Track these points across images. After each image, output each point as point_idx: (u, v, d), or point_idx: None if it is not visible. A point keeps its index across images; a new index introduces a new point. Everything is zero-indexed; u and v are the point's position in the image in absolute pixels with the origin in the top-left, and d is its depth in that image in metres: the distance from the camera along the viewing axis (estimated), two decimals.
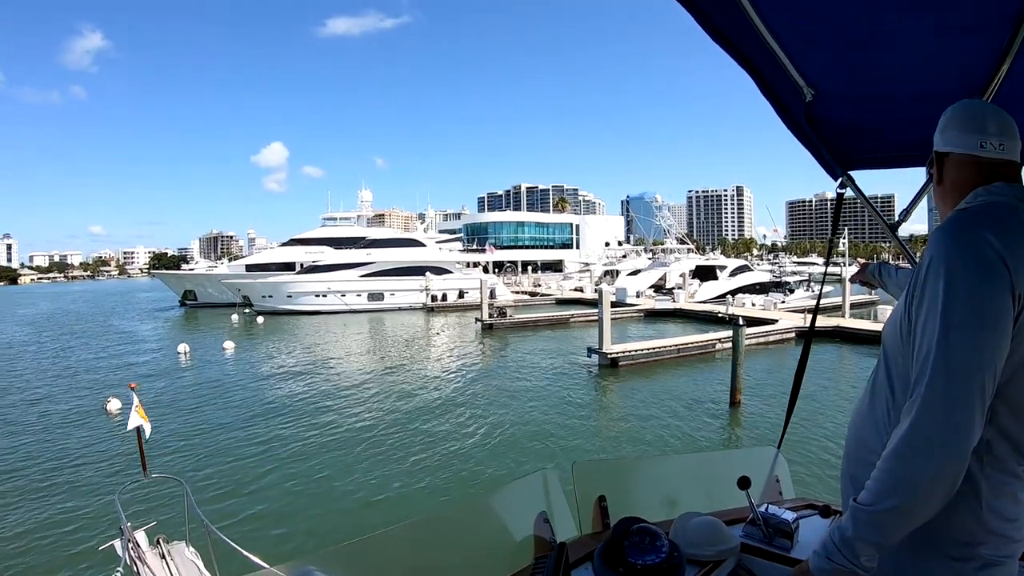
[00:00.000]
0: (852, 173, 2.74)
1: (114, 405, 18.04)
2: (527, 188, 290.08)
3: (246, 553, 4.43)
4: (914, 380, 1.38)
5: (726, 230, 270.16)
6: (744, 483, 2.28)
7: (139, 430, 6.52)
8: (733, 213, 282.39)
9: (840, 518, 1.52)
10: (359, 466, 12.75)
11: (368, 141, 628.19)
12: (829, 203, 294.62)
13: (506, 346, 30.87)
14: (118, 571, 5.09)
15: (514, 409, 17.44)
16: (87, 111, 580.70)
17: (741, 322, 19.55)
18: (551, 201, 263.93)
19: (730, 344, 24.88)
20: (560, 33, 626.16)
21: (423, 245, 57.19)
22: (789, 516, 2.33)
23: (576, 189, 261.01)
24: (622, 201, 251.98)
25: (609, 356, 23.36)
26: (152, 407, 17.81)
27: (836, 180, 2.71)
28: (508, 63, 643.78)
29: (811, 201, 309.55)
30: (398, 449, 13.87)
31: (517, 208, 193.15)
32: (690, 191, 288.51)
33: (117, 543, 5.36)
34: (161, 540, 5.40)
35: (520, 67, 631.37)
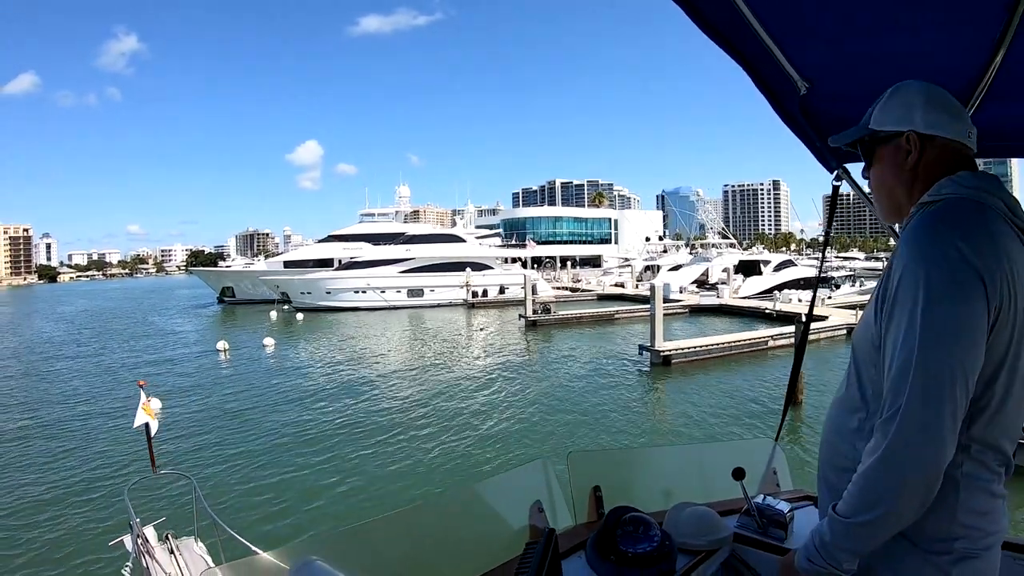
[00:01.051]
0: (848, 166, 2.67)
1: (153, 404, 17.20)
2: (562, 183, 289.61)
3: (255, 548, 4.50)
4: (887, 394, 1.36)
5: (762, 225, 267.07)
6: (739, 474, 2.25)
7: (146, 427, 6.60)
8: (769, 207, 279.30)
9: (819, 524, 1.52)
10: (401, 469, 12.32)
11: (402, 138, 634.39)
12: (851, 195, 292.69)
13: (552, 343, 30.08)
14: (127, 566, 5.29)
15: (566, 410, 16.75)
16: (123, 112, 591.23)
17: (804, 318, 18.29)
18: (586, 196, 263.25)
19: (783, 342, 24.69)
20: (593, 28, 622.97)
21: (463, 241, 56.36)
22: (784, 507, 2.32)
23: (611, 184, 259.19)
24: (657, 196, 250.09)
25: (662, 354, 22.58)
26: (191, 407, 17.85)
27: (832, 173, 2.64)
28: (541, 58, 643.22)
29: (848, 194, 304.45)
30: (439, 452, 13.32)
31: (552, 203, 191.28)
32: (726, 185, 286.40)
33: (127, 538, 5.54)
34: (170, 536, 5.49)
35: (553, 62, 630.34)
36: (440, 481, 11.47)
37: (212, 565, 4.89)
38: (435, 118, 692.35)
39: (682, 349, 23.17)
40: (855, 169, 2.43)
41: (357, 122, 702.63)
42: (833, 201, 2.69)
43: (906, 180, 1.59)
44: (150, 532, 5.37)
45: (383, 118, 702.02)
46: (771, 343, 25.00)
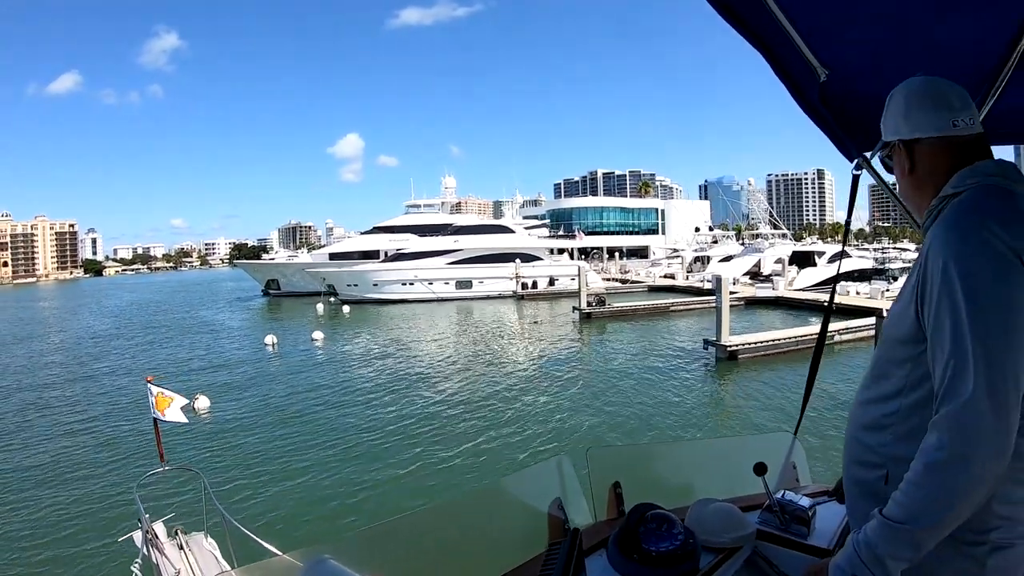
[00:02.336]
0: (868, 154, 2.41)
1: (202, 403, 16.61)
2: (603, 174, 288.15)
3: (264, 543, 4.73)
4: (944, 389, 1.30)
5: (807, 214, 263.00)
6: (760, 469, 2.21)
7: (155, 421, 6.58)
8: (814, 197, 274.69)
9: (860, 531, 1.42)
10: (454, 471, 11.74)
11: (442, 129, 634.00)
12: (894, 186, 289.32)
13: (608, 336, 29.02)
14: (136, 562, 5.14)
15: (633, 410, 15.81)
16: (165, 109, 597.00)
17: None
18: (628, 187, 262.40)
19: (850, 336, 24.47)
20: (635, 17, 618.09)
21: (512, 231, 55.34)
22: (806, 502, 2.29)
23: (653, 174, 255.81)
24: (700, 185, 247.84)
25: (728, 349, 21.55)
26: (235, 406, 17.32)
27: (852, 162, 2.47)
28: (581, 48, 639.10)
29: (893, 185, 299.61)
30: (489, 452, 12.63)
31: (594, 194, 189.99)
32: (769, 175, 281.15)
33: (136, 534, 5.50)
34: (179, 531, 5.55)
35: (594, 52, 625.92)
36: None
37: (222, 560, 5.25)
38: (475, 109, 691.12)
39: (748, 344, 22.13)
40: (875, 156, 1.93)
41: (397, 114, 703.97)
42: (853, 191, 2.55)
43: (910, 184, 1.61)
44: (159, 528, 5.46)
45: (423, 110, 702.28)
46: (837, 337, 24.01)
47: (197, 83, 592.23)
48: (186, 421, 6.81)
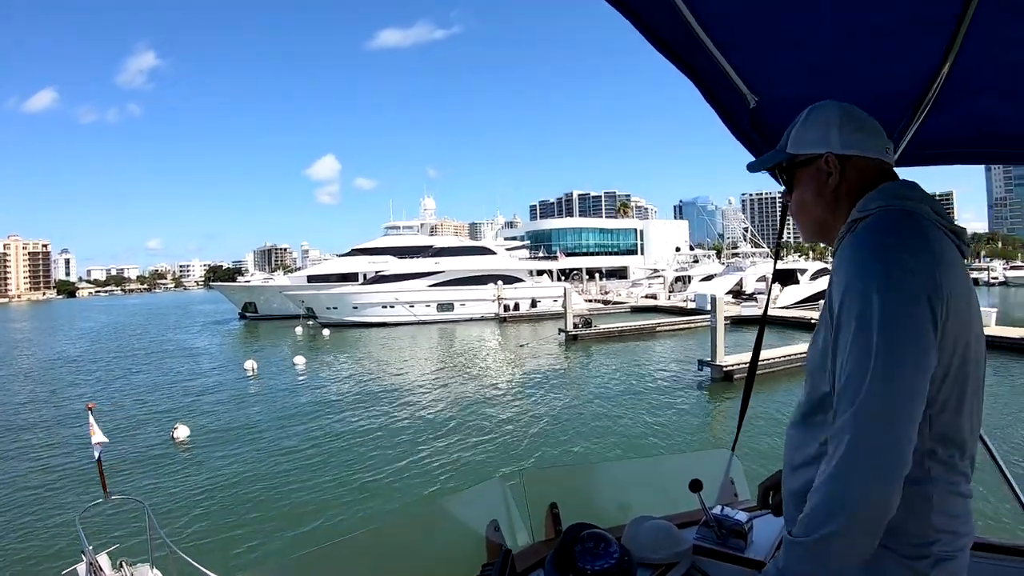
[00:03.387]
0: (752, 164, 2.26)
1: (182, 432, 15.99)
2: (579, 195, 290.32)
3: (210, 573, 4.94)
4: (841, 407, 1.32)
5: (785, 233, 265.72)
6: (696, 486, 2.23)
7: (96, 449, 6.49)
8: (789, 216, 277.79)
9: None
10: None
11: (419, 152, 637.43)
12: None
13: (597, 358, 28.60)
14: None
15: (631, 435, 15.44)
16: (142, 128, 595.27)
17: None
18: (603, 207, 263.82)
19: None
20: (607, 38, 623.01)
21: (493, 253, 54.88)
22: (742, 517, 2.33)
23: (628, 195, 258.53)
24: (675, 206, 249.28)
25: (724, 369, 21.28)
26: (219, 436, 16.45)
27: (783, 186, 2.17)
28: (556, 71, 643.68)
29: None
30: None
31: (570, 215, 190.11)
32: (744, 194, 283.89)
33: (80, 567, 5.49)
34: (124, 563, 5.57)
35: (570, 74, 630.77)
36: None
37: None
38: (452, 131, 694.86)
39: (744, 364, 21.54)
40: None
41: (374, 136, 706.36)
42: (783, 212, 2.51)
43: (829, 201, 1.59)
44: (104, 560, 5.45)
45: (400, 132, 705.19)
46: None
47: (175, 102, 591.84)
48: (106, 441, 6.63)
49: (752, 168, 1.78)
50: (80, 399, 22.30)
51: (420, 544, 2.55)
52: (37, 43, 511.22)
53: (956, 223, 1.47)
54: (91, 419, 6.62)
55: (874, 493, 1.25)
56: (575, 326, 35.23)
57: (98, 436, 6.66)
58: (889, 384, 1.25)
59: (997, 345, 25.59)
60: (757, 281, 50.53)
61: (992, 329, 28.52)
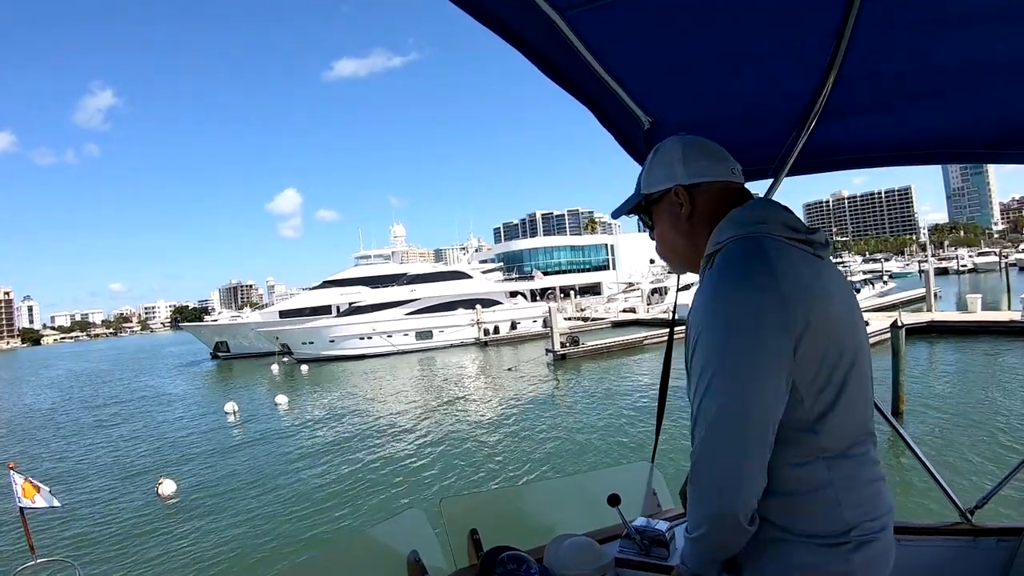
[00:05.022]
0: (615, 211, 2.35)
1: (168, 487, 14.84)
2: (542, 215, 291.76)
3: None
4: (692, 428, 1.44)
5: None
6: (614, 500, 2.29)
7: (22, 511, 6.24)
8: None
9: None
10: None
11: (381, 181, 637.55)
12: (847, 201, 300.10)
13: (591, 377, 27.79)
14: None
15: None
16: (101, 168, 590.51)
17: (901, 323, 17.52)
18: (567, 226, 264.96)
19: None
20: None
21: (469, 277, 54.13)
22: (663, 526, 2.41)
23: (591, 211, 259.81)
24: (639, 220, 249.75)
25: None
26: (207, 487, 15.53)
27: (646, 227, 2.27)
28: (512, 93, 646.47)
29: (828, 201, 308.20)
30: None
31: (534, 235, 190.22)
32: None
33: None
34: None
35: (525, 97, 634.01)
36: None
37: None
38: (413, 159, 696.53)
39: None
40: (853, 175, 2.37)
41: (335, 168, 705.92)
42: None
43: (684, 231, 1.66)
44: None
45: (361, 162, 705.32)
46: None
47: (133, 142, 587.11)
48: (59, 505, 6.43)
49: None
50: (51, 455, 21.27)
51: None
52: None
53: (809, 228, 1.54)
54: (14, 476, 6.34)
55: (719, 513, 1.39)
56: (562, 345, 34.50)
57: (26, 496, 6.37)
58: (721, 428, 1.36)
59: (989, 330, 26.18)
60: None
61: (979, 315, 29.15)
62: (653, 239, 1.79)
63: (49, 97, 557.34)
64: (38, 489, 6.42)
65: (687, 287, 53.22)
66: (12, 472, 6.42)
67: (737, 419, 1.35)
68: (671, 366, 3.01)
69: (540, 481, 12.51)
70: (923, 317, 28.95)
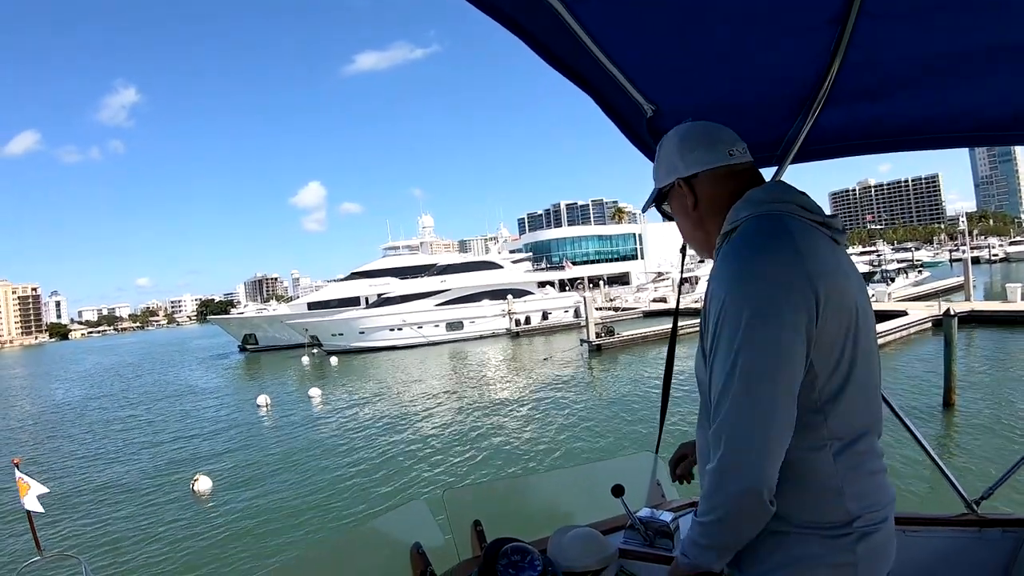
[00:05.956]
0: (643, 207, 2.42)
1: (203, 484, 14.25)
2: (566, 205, 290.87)
3: None
4: (714, 406, 1.43)
5: None
6: (618, 491, 2.30)
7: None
8: None
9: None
10: None
11: (404, 173, 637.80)
12: (874, 190, 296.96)
13: (627, 369, 26.92)
14: None
15: None
16: (126, 165, 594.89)
17: (953, 312, 16.85)
18: (591, 215, 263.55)
19: (884, 339, 23.74)
20: None
21: (500, 267, 53.52)
22: (667, 517, 2.41)
23: (615, 201, 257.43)
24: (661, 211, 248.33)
25: None
26: (242, 482, 15.15)
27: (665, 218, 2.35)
28: (535, 84, 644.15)
29: (854, 190, 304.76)
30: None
31: (559, 225, 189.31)
32: None
33: None
34: None
35: (547, 85, 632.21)
36: None
37: None
38: (436, 151, 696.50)
39: None
40: (874, 160, 2.32)
41: (359, 160, 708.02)
42: None
43: (695, 220, 1.69)
44: None
45: (385, 155, 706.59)
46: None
47: (157, 138, 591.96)
48: (41, 510, 6.13)
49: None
50: (82, 452, 20.83)
51: (342, 571, 2.50)
52: (16, 83, 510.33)
53: (828, 215, 1.54)
54: (18, 474, 6.10)
55: (740, 496, 1.37)
56: (598, 335, 33.69)
57: (32, 492, 6.12)
58: (747, 402, 1.34)
59: None
60: None
61: (1020, 304, 28.56)
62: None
63: (73, 96, 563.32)
64: (28, 489, 6.06)
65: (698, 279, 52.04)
66: (16, 468, 6.10)
67: (765, 393, 1.34)
68: (675, 357, 2.98)
69: (543, 472, 12.39)
70: (963, 307, 27.81)
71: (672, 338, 3.08)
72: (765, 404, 1.34)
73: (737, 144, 1.63)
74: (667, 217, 1.81)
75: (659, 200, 1.78)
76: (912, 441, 2.66)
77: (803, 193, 1.55)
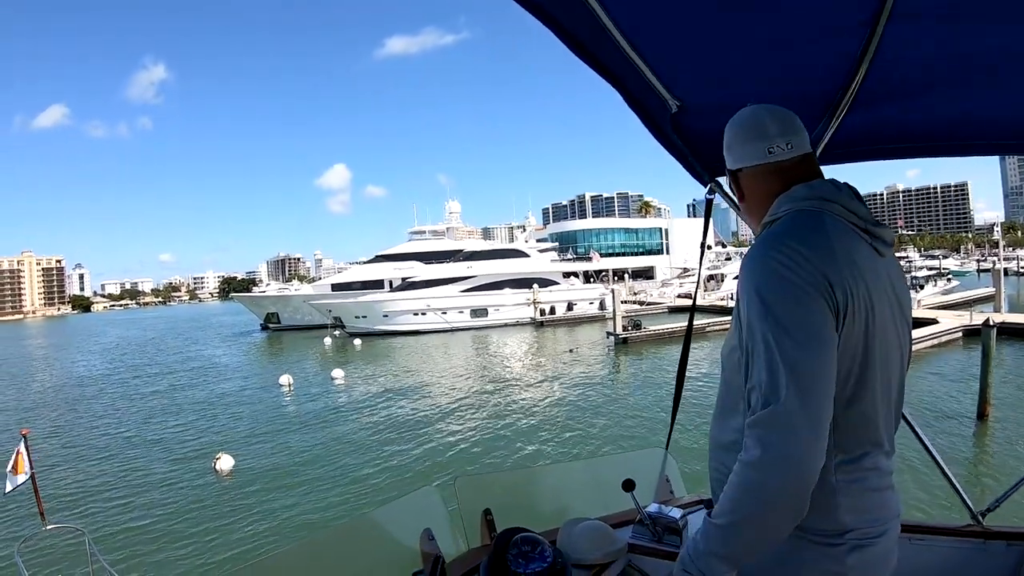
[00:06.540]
0: (721, 180, 2.68)
1: (226, 463, 14.09)
2: (591, 197, 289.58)
3: None
4: (754, 402, 1.37)
5: None
6: (629, 485, 2.28)
7: (33, 477, 6.26)
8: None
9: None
10: None
11: (430, 158, 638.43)
12: (901, 195, 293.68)
13: (654, 365, 26.57)
14: None
15: None
16: (153, 141, 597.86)
17: (993, 323, 16.60)
18: (615, 208, 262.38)
19: (914, 346, 22.41)
20: None
21: (527, 255, 53.35)
22: (676, 513, 2.39)
23: (641, 195, 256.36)
24: (688, 205, 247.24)
25: None
26: (264, 464, 14.82)
27: (705, 187, 2.69)
28: (565, 74, 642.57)
29: (882, 194, 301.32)
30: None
31: (583, 217, 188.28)
32: None
33: None
34: None
35: (577, 76, 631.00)
36: None
37: None
38: (460, 137, 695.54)
39: None
40: (726, 182, 2.09)
41: (385, 144, 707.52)
42: (707, 213, 2.83)
43: (745, 210, 1.74)
44: None
45: (411, 139, 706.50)
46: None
47: (184, 115, 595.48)
48: (9, 490, 6.33)
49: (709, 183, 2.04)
50: (100, 425, 20.70)
51: (351, 556, 2.46)
52: (46, 57, 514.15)
53: (876, 221, 1.51)
54: (22, 447, 6.28)
55: (784, 486, 1.29)
56: (624, 328, 33.19)
57: (18, 468, 6.33)
58: (800, 381, 1.29)
59: None
60: None
61: None
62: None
63: (102, 71, 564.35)
64: (24, 465, 6.34)
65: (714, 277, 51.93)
66: (24, 438, 6.34)
67: (805, 378, 1.29)
68: (689, 355, 2.95)
69: (554, 463, 12.16)
70: (994, 318, 27.22)
71: (687, 336, 3.10)
72: (809, 391, 1.29)
73: (779, 139, 1.57)
74: (713, 176, 1.91)
75: (731, 177, 1.74)
76: (922, 448, 2.63)
77: (855, 196, 1.52)
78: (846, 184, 1.56)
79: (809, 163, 1.60)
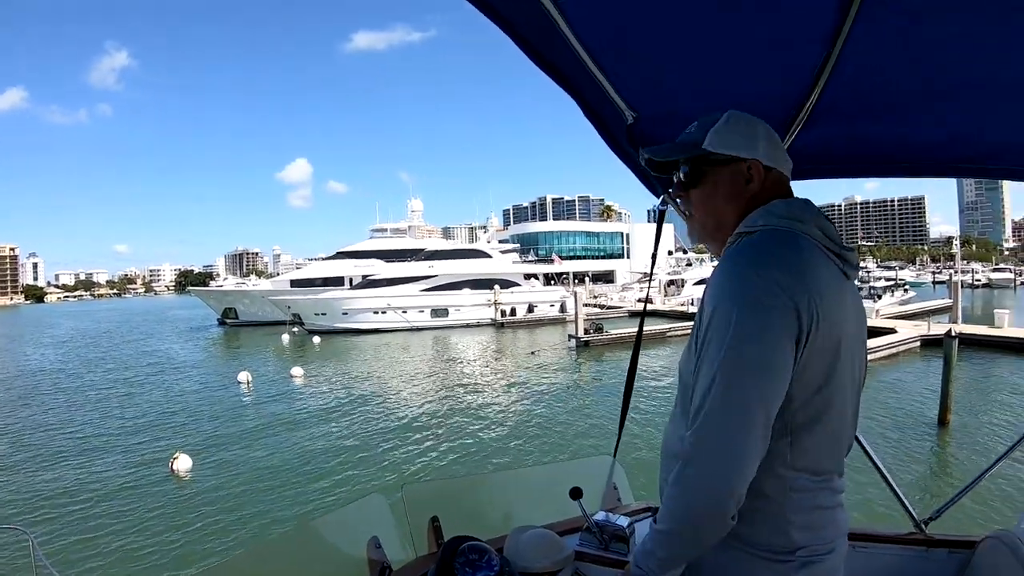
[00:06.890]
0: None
1: (183, 464, 13.83)
2: (553, 199, 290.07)
3: None
4: (691, 419, 1.39)
5: None
6: (576, 493, 2.29)
7: None
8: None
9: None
10: None
11: (392, 156, 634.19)
12: (859, 207, 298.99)
13: (617, 367, 26.63)
14: None
15: None
16: (113, 128, 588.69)
17: (955, 333, 17.21)
18: (576, 211, 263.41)
19: (872, 355, 22.91)
20: None
21: (488, 256, 53.47)
22: (624, 521, 2.42)
23: (602, 199, 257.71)
24: (649, 210, 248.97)
25: None
26: (223, 464, 14.57)
27: (658, 198, 2.64)
28: (531, 76, 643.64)
29: (841, 206, 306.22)
30: None
31: (544, 219, 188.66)
32: None
33: None
34: None
35: (546, 81, 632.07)
36: None
37: None
38: (425, 136, 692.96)
39: None
40: None
41: (348, 140, 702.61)
42: (659, 225, 2.74)
43: (740, 206, 1.60)
44: None
45: (374, 136, 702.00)
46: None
47: (144, 104, 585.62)
48: None
49: (654, 153, 1.74)
50: (51, 420, 20.33)
51: (296, 565, 2.41)
52: (7, 38, 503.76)
53: (845, 244, 1.52)
54: None
55: (706, 505, 1.33)
56: (586, 331, 33.52)
57: None
58: (727, 408, 1.31)
59: (1015, 348, 25.89)
60: None
61: (1007, 331, 28.82)
62: (678, 196, 1.76)
63: (62, 57, 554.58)
64: None
65: (703, 281, 53.06)
66: None
67: (744, 409, 1.31)
68: (638, 361, 2.94)
69: (503, 470, 12.19)
70: (954, 329, 28.02)
71: (636, 346, 3.09)
72: (743, 420, 1.32)
73: (789, 162, 1.66)
74: (683, 181, 1.69)
75: (692, 160, 1.64)
76: (864, 455, 2.68)
77: (827, 218, 1.53)
78: (811, 203, 1.58)
79: (787, 180, 1.64)
